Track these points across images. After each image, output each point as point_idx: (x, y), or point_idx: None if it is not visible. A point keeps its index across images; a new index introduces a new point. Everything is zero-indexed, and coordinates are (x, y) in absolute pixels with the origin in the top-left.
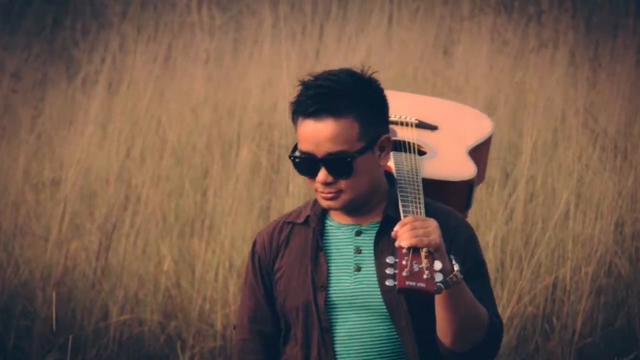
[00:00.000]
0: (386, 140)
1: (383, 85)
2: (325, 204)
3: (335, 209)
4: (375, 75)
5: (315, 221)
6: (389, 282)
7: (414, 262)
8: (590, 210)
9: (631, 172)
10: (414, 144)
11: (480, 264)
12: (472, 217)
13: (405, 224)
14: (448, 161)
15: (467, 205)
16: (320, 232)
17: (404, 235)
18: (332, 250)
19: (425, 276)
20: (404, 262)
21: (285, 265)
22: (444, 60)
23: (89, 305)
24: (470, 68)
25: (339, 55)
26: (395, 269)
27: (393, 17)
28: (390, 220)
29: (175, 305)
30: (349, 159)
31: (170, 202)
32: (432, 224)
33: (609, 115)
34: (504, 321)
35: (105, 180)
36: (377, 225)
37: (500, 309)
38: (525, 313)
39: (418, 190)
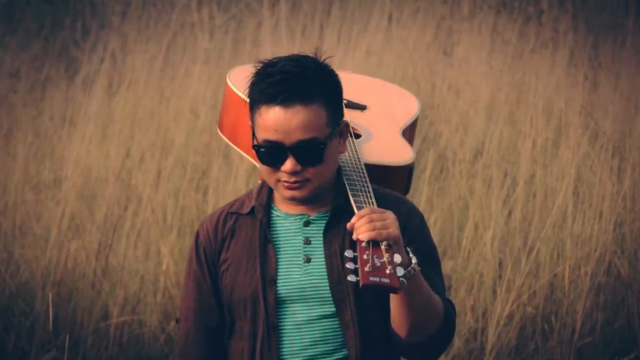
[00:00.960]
0: (345, 126)
1: None
2: (288, 194)
3: (300, 199)
4: (329, 60)
5: (261, 212)
6: (351, 278)
7: (374, 256)
8: (589, 210)
9: (630, 172)
10: None
11: (432, 250)
12: (471, 216)
13: (362, 216)
14: (386, 144)
15: (406, 189)
16: (267, 223)
17: (361, 228)
18: (281, 242)
19: (388, 271)
20: (365, 257)
21: (231, 257)
22: (444, 60)
23: (89, 306)
24: (470, 68)
25: (339, 55)
26: (355, 263)
27: (393, 17)
28: (339, 210)
29: (175, 305)
30: (321, 146)
31: (170, 202)
32: (390, 215)
33: (609, 115)
34: (503, 322)
35: (105, 180)
36: (326, 214)
37: (499, 309)
38: (525, 313)
39: (363, 176)
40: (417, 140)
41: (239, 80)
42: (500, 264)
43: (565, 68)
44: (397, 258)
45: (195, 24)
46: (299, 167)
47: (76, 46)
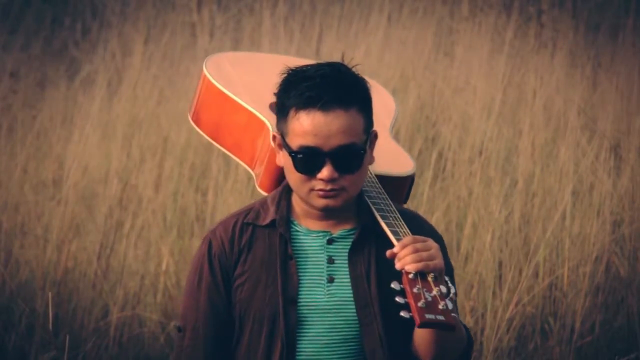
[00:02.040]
0: (374, 136)
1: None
2: (322, 202)
3: (333, 208)
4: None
5: (283, 226)
6: (404, 314)
7: (424, 289)
8: (588, 210)
9: (629, 172)
10: None
11: (452, 271)
12: (471, 216)
13: (405, 246)
14: (384, 152)
15: (405, 199)
16: (289, 239)
17: (407, 259)
18: (303, 259)
19: (440, 307)
20: (415, 291)
21: (248, 271)
22: (444, 60)
23: (89, 305)
24: (470, 68)
25: (338, 55)
26: (404, 297)
27: (393, 17)
28: (365, 229)
29: (175, 305)
30: (361, 152)
31: (170, 202)
32: (433, 244)
33: (608, 115)
34: (503, 322)
35: (105, 180)
36: (350, 233)
37: (498, 309)
38: (524, 313)
39: (382, 192)
40: (417, 141)
41: (218, 72)
42: (499, 264)
43: (565, 68)
44: (444, 289)
45: (195, 24)
46: (336, 175)
47: (76, 46)
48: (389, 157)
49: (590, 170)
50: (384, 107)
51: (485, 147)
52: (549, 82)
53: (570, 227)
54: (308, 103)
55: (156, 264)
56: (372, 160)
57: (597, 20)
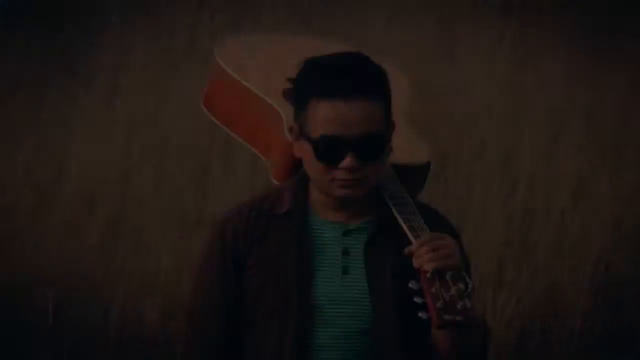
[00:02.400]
0: (393, 127)
1: None
2: (343, 192)
3: (353, 197)
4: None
5: (300, 216)
6: (422, 315)
7: (442, 289)
8: (588, 210)
9: (629, 172)
10: None
11: (469, 265)
12: (471, 216)
13: (424, 244)
14: (400, 138)
15: (421, 189)
16: (305, 229)
17: (425, 257)
18: (317, 250)
19: (458, 306)
20: (433, 290)
21: (262, 260)
22: (444, 60)
23: (89, 306)
24: (470, 68)
25: None
26: (422, 297)
27: (393, 17)
28: (383, 222)
29: (175, 305)
30: (383, 140)
31: (170, 202)
32: (451, 241)
33: (608, 115)
34: (503, 322)
35: (105, 180)
36: (365, 226)
37: (499, 309)
38: (525, 313)
39: (397, 183)
40: None
41: (229, 57)
42: (500, 264)
43: (565, 68)
44: (462, 287)
45: (195, 24)
46: (357, 164)
47: (76, 46)
48: (405, 143)
49: (591, 170)
50: (396, 88)
51: (485, 147)
52: (549, 82)
53: (571, 226)
54: (329, 92)
55: (156, 264)
56: (390, 152)
57: (597, 20)
